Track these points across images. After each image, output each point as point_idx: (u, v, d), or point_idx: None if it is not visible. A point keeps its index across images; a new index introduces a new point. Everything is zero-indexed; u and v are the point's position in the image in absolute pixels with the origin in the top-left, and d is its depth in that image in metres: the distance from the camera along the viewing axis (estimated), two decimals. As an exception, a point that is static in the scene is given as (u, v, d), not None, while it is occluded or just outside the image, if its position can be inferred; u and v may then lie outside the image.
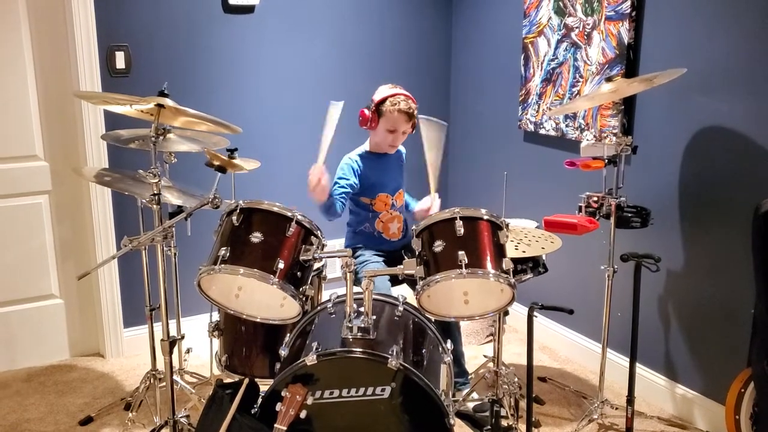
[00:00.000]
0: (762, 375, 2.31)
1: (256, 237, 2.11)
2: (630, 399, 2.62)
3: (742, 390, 2.45)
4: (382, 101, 2.85)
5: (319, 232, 2.21)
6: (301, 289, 2.13)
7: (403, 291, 2.61)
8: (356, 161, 2.93)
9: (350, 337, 2.08)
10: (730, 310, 2.69)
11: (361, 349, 2.02)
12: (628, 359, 2.67)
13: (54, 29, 3.13)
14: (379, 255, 2.93)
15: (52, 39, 3.14)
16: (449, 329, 2.83)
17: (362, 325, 2.09)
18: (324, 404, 2.01)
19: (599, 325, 2.82)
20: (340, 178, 2.89)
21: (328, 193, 2.73)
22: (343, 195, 2.85)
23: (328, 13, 3.68)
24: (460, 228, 2.10)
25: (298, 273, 2.14)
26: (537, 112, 3.47)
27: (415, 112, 2.88)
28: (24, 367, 3.32)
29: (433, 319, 2.30)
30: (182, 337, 2.91)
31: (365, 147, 3.00)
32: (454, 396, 2.72)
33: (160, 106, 2.27)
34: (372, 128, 2.90)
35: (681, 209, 2.83)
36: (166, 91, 2.32)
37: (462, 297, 2.25)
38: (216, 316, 2.70)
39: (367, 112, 2.88)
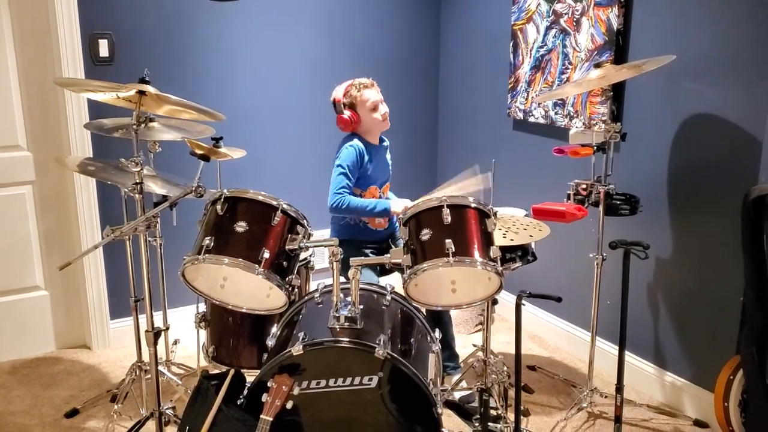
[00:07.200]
0: (751, 362, 2.31)
1: (241, 226, 2.08)
2: (619, 387, 2.62)
3: (731, 377, 2.45)
4: (346, 96, 2.85)
5: (305, 221, 2.18)
6: (287, 279, 2.11)
7: (391, 280, 2.59)
8: (363, 149, 2.86)
9: (337, 326, 2.07)
10: (719, 297, 2.68)
11: (348, 339, 2.00)
12: (617, 347, 2.66)
13: (36, 16, 3.07)
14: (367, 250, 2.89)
15: (34, 26, 3.08)
16: (439, 313, 2.81)
17: (349, 315, 2.08)
18: (311, 394, 1.99)
19: (588, 313, 2.81)
20: (346, 174, 2.80)
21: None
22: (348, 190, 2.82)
23: (315, 0, 3.63)
24: (447, 216, 2.08)
25: (284, 262, 2.12)
26: (526, 100, 3.44)
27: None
28: (9, 360, 3.28)
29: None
30: (167, 328, 2.87)
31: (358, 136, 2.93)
32: (442, 385, 2.71)
33: (141, 93, 2.23)
34: (358, 123, 2.86)
35: (670, 196, 2.83)
36: (147, 78, 2.29)
37: (450, 286, 2.23)
38: (203, 307, 2.68)
39: (345, 115, 2.84)
